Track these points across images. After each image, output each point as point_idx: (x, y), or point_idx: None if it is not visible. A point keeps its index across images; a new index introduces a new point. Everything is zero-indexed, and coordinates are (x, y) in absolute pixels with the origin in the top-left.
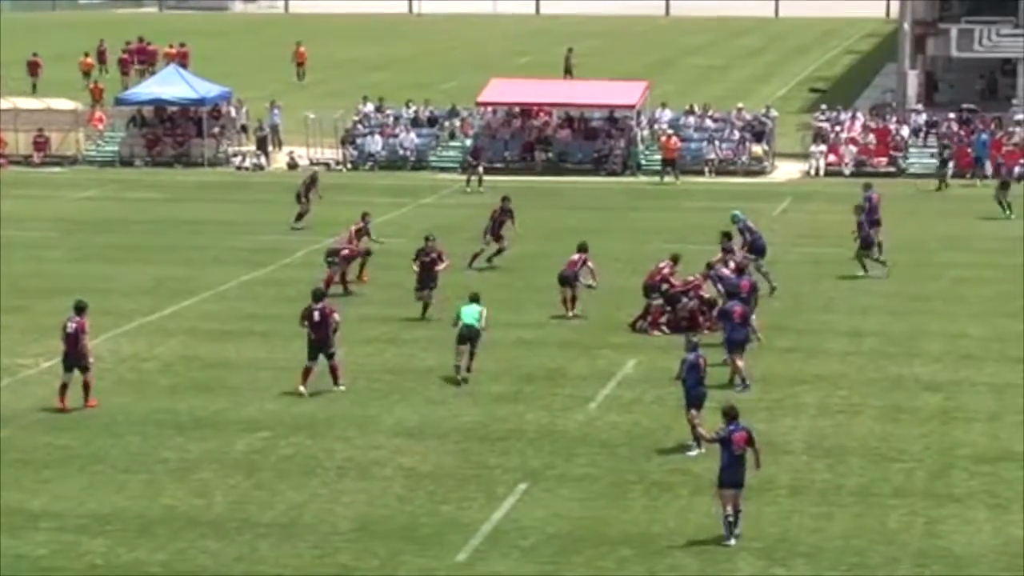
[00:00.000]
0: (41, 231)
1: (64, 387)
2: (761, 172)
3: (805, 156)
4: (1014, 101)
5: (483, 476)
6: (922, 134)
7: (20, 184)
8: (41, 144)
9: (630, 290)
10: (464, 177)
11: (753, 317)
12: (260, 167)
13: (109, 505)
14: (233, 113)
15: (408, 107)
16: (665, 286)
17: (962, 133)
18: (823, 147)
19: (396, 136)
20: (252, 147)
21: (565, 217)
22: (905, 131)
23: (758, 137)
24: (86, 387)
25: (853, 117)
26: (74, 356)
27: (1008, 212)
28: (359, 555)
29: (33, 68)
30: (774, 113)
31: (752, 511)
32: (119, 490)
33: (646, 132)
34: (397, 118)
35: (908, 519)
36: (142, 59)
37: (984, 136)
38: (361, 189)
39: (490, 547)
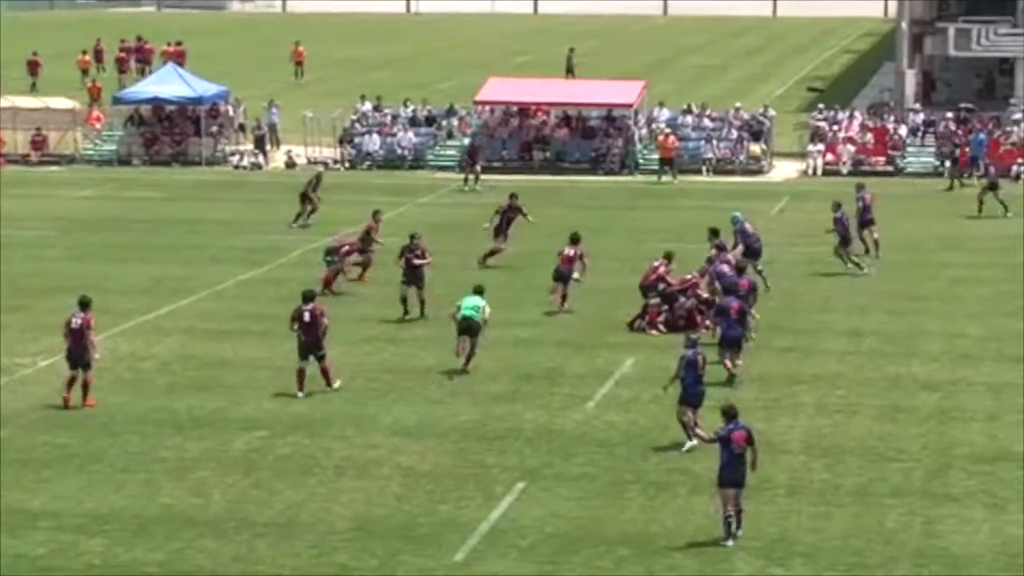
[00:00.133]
0: (39, 230)
1: (71, 381)
2: (759, 171)
3: (803, 155)
4: (1012, 100)
5: (481, 475)
6: (920, 133)
7: (18, 183)
8: (39, 143)
9: (628, 289)
10: (462, 176)
11: (752, 315)
12: (258, 166)
13: (107, 504)
14: (231, 112)
15: (406, 106)
16: (662, 285)
17: (960, 132)
18: (821, 146)
19: (394, 135)
20: (250, 146)
21: (563, 216)
22: (903, 130)
23: (756, 136)
24: (85, 386)
25: (851, 116)
26: (78, 352)
27: (1005, 211)
28: (357, 554)
29: (33, 67)
30: (772, 112)
31: (750, 511)
32: (117, 489)
33: (644, 131)
34: (395, 117)
35: (906, 519)
36: (139, 58)
37: (982, 136)
38: (359, 188)
39: (488, 547)
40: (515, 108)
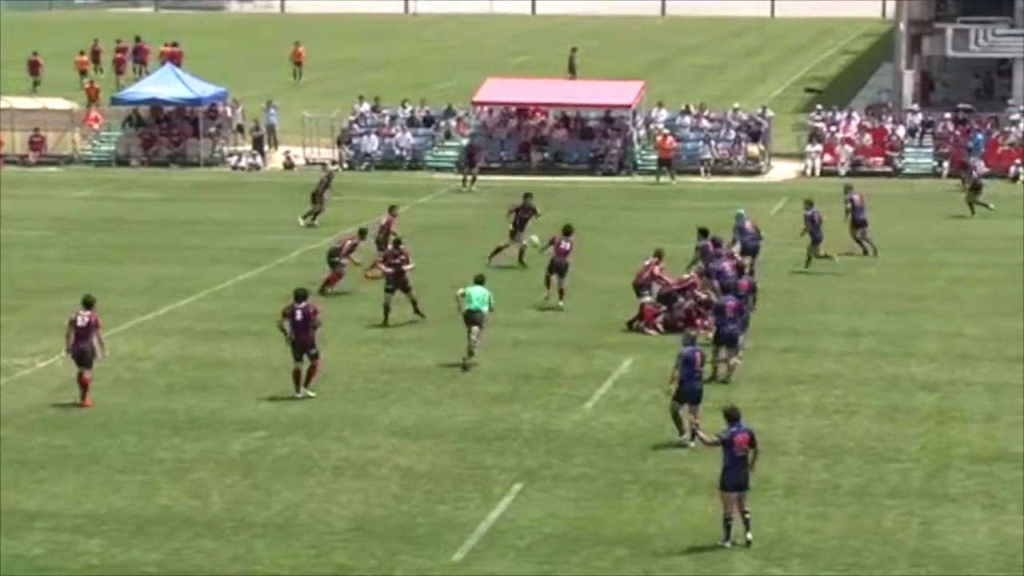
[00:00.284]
0: (37, 230)
1: (80, 376)
2: (757, 172)
3: (801, 156)
4: (1010, 101)
5: (479, 476)
6: (918, 134)
7: (16, 184)
8: (37, 144)
9: (626, 290)
10: (460, 177)
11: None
12: (256, 167)
13: (105, 505)
14: (229, 113)
15: (404, 107)
16: (660, 285)
17: (958, 133)
18: (819, 147)
19: (392, 136)
20: (248, 147)
21: (561, 217)
22: (901, 131)
23: (754, 137)
24: (84, 386)
25: (849, 117)
26: (85, 349)
27: (989, 206)
28: (355, 555)
29: (34, 67)
30: (770, 113)
31: (749, 511)
32: (115, 490)
33: (642, 132)
34: (393, 118)
35: (904, 519)
36: (136, 58)
37: (980, 136)
38: (357, 189)
39: (486, 547)
40: (513, 109)
